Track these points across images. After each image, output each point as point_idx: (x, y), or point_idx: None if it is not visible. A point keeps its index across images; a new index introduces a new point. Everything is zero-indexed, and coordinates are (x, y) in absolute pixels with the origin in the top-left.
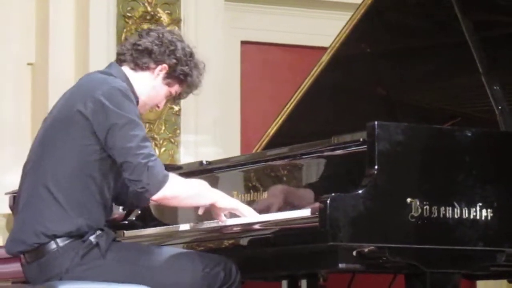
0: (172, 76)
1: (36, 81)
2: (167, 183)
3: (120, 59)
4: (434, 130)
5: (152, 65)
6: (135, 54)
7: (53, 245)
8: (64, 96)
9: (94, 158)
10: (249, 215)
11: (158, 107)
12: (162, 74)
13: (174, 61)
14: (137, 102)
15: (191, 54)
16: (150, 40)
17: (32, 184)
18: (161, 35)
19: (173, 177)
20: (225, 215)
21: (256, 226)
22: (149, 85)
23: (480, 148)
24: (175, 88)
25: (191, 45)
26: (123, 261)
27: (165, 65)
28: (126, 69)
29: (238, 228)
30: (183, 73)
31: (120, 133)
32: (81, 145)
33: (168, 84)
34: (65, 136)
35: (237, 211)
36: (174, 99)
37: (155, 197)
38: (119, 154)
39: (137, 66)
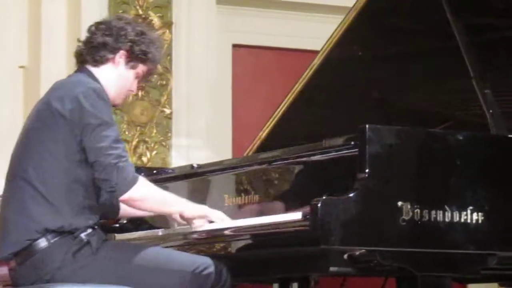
0: (132, 58)
1: (28, 84)
2: (135, 185)
3: (80, 61)
4: (426, 133)
5: (110, 56)
6: (91, 51)
7: (44, 242)
8: (41, 101)
9: (77, 157)
10: (220, 221)
11: (132, 91)
12: (122, 60)
13: (129, 44)
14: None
15: (143, 32)
16: (100, 33)
17: (18, 186)
18: (109, 25)
19: (142, 180)
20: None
21: (248, 230)
22: (114, 75)
23: (471, 151)
24: (141, 68)
25: (142, 23)
26: (114, 260)
27: (122, 51)
28: (89, 68)
29: (230, 232)
30: (142, 52)
31: (93, 133)
32: (62, 144)
33: (132, 67)
34: (46, 136)
35: (208, 218)
36: (144, 79)
37: (122, 197)
38: (91, 153)
39: (97, 61)
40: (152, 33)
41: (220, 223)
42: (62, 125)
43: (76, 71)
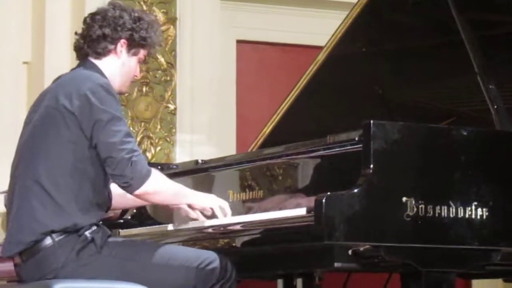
0: (133, 45)
1: (32, 80)
2: (149, 178)
3: (82, 54)
4: (430, 129)
5: (111, 47)
6: (92, 44)
7: (48, 240)
8: (45, 95)
9: (87, 154)
10: (223, 216)
11: (136, 76)
12: (124, 49)
13: (128, 32)
14: None
15: (140, 18)
16: (98, 25)
17: (24, 184)
18: (105, 15)
19: (155, 173)
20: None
21: (252, 225)
22: (117, 65)
23: (476, 147)
24: (142, 53)
25: (137, 9)
26: (118, 257)
27: (123, 40)
28: (92, 60)
29: (234, 227)
30: (142, 38)
31: (104, 128)
32: (72, 142)
33: (134, 54)
34: (54, 133)
35: (213, 211)
36: (145, 61)
37: (137, 192)
38: (103, 149)
39: (99, 54)
40: (148, 16)
41: (222, 218)
42: (71, 122)
43: (79, 65)
